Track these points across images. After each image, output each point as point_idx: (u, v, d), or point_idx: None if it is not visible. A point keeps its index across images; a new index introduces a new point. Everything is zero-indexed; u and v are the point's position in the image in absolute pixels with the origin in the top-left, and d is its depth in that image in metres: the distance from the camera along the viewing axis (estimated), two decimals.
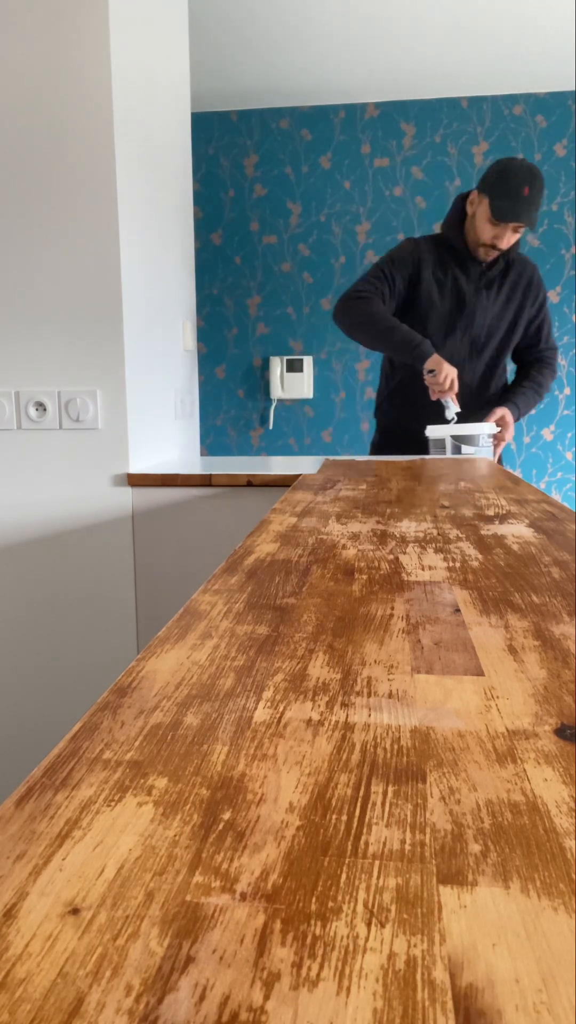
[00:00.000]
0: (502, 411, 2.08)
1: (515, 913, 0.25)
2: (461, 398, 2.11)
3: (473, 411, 2.12)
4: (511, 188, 1.93)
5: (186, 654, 0.49)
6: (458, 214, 2.08)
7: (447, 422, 1.97)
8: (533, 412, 3.48)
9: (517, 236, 2.01)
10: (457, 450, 1.94)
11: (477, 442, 1.93)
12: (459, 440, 1.93)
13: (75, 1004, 0.21)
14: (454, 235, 2.08)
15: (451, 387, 1.93)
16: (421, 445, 2.11)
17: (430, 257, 2.09)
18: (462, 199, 2.10)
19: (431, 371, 1.94)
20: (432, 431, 1.97)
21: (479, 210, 1.99)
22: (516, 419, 2.11)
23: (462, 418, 2.06)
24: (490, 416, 2.07)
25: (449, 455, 1.94)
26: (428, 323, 2.09)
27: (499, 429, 2.05)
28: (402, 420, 2.18)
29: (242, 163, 3.60)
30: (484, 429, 1.94)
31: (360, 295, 2.05)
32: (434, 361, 1.94)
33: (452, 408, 1.95)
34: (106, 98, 1.54)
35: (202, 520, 1.66)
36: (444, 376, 1.93)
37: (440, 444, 1.97)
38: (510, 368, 2.35)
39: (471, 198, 2.04)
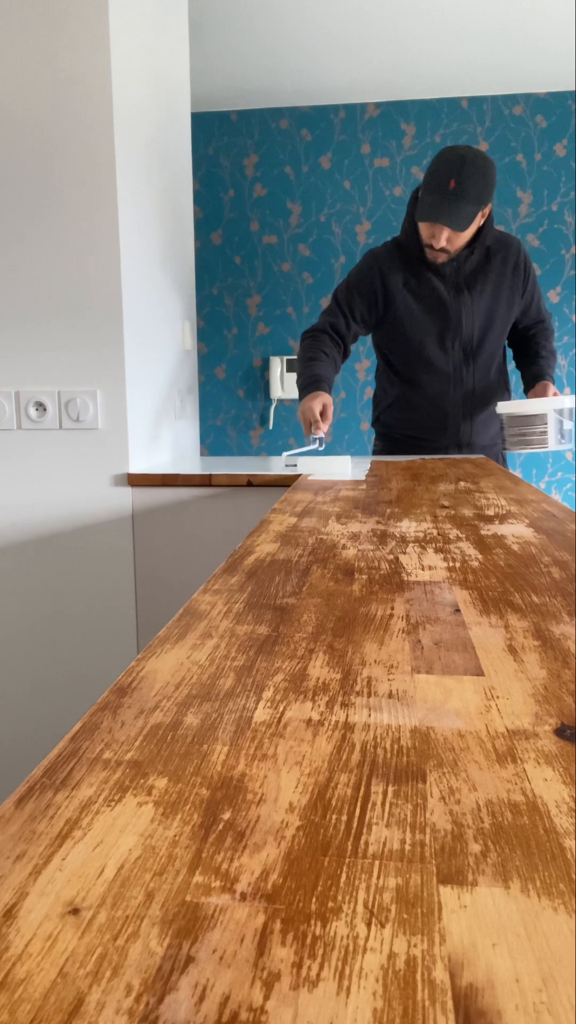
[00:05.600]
0: (552, 386, 1.96)
1: (515, 913, 0.25)
2: (467, 403, 2.01)
3: (484, 407, 2.03)
4: (436, 181, 1.75)
5: (186, 654, 0.49)
6: (411, 212, 1.91)
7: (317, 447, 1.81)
8: None
9: (455, 235, 1.82)
10: (560, 427, 1.78)
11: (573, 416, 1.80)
12: (563, 414, 1.77)
13: (75, 1004, 0.21)
14: (407, 238, 1.92)
15: (314, 426, 1.79)
16: (424, 451, 2.06)
17: (396, 267, 1.94)
18: (415, 195, 1.92)
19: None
20: (519, 405, 1.80)
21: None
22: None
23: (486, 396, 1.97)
24: (545, 391, 1.94)
25: (553, 434, 1.78)
26: (412, 338, 1.97)
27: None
28: (405, 429, 2.10)
29: (242, 163, 3.60)
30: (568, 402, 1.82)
31: (309, 333, 1.99)
32: (300, 406, 1.86)
33: (317, 438, 1.80)
34: (106, 98, 1.54)
35: (202, 520, 1.66)
36: (300, 416, 1.84)
37: (531, 421, 1.80)
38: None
39: (418, 192, 1.88)
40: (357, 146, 3.53)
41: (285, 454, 1.78)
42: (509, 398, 2.11)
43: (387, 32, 2.83)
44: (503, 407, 1.87)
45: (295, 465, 1.67)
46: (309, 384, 1.88)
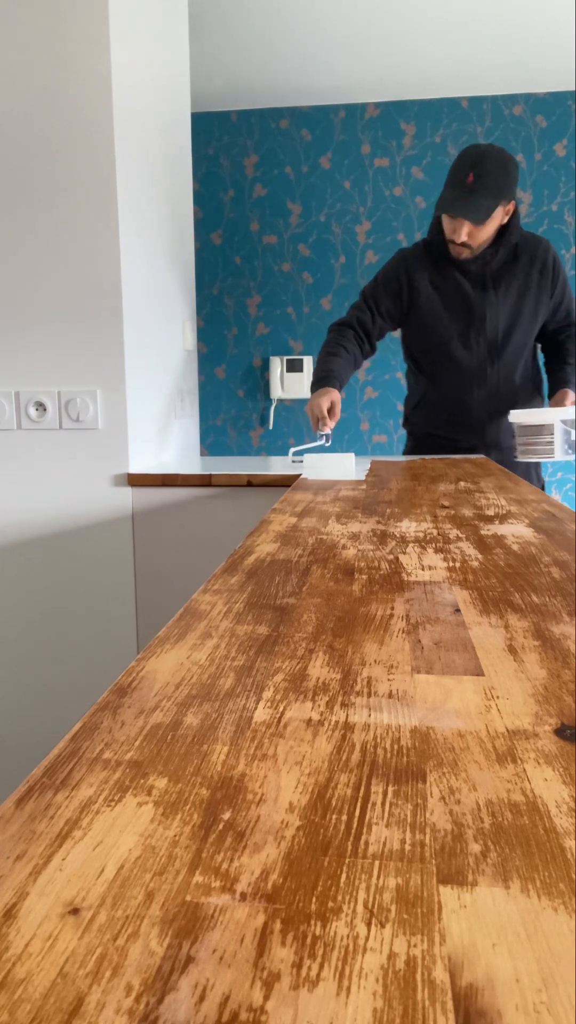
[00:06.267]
0: (572, 394, 1.98)
1: (515, 913, 0.25)
2: (491, 402, 2.03)
3: (509, 406, 2.03)
4: (455, 176, 1.81)
5: (186, 654, 0.49)
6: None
7: (323, 445, 1.88)
8: None
9: (476, 229, 1.84)
10: (567, 438, 1.80)
11: None
12: (570, 424, 1.80)
13: (75, 1004, 0.21)
14: (433, 235, 1.97)
15: (321, 421, 1.86)
16: (453, 451, 2.07)
17: (423, 265, 1.98)
18: None
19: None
20: (528, 415, 1.83)
21: None
22: None
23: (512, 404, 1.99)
24: (564, 399, 1.96)
25: (560, 444, 1.80)
26: (436, 335, 2.00)
27: None
28: (432, 427, 2.12)
29: (242, 163, 3.60)
30: None
31: (335, 326, 2.05)
32: (309, 401, 1.90)
33: (323, 434, 1.87)
34: (106, 98, 1.53)
35: (202, 520, 1.66)
36: (308, 411, 1.89)
37: (539, 431, 1.82)
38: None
39: None
40: (357, 146, 3.53)
41: (292, 449, 1.84)
42: (541, 401, 2.11)
43: (387, 32, 2.83)
44: (514, 416, 1.89)
45: (301, 460, 1.70)
46: (321, 380, 1.93)
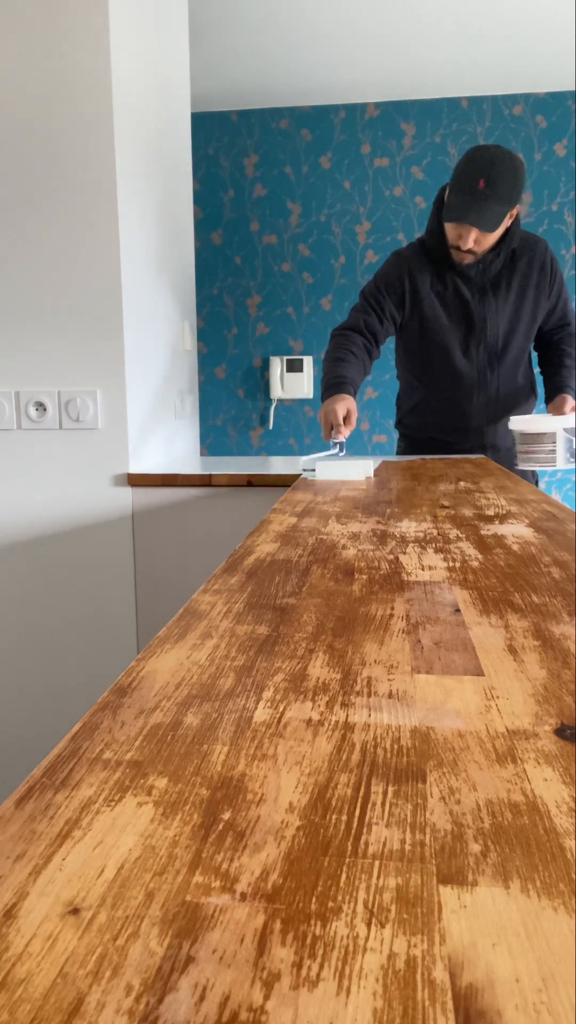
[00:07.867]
0: (571, 399, 1.93)
1: (515, 913, 0.25)
2: (491, 407, 2.00)
3: (508, 411, 2.00)
4: (464, 181, 1.72)
5: (186, 654, 0.49)
6: (437, 212, 1.88)
7: (335, 452, 1.75)
8: None
9: (483, 236, 1.78)
10: (569, 446, 1.78)
11: None
12: (573, 432, 1.78)
13: (75, 1004, 0.21)
14: (432, 239, 1.89)
15: (335, 429, 1.74)
16: (447, 453, 2.04)
17: (422, 268, 1.92)
18: (441, 194, 1.88)
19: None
20: (530, 422, 1.80)
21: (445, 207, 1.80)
22: None
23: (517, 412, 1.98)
24: (564, 404, 1.92)
25: (562, 453, 1.79)
26: (436, 342, 1.96)
27: None
28: (428, 430, 2.08)
29: (242, 163, 3.60)
30: None
31: (339, 331, 1.96)
32: (323, 407, 1.79)
33: (337, 443, 1.74)
34: (106, 98, 1.54)
35: (202, 520, 1.66)
36: (322, 418, 1.77)
37: (541, 439, 1.80)
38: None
39: (445, 192, 1.84)
40: (357, 146, 3.53)
41: (303, 459, 1.70)
42: (535, 402, 2.09)
43: (387, 32, 2.83)
44: (515, 423, 1.87)
45: (313, 470, 1.55)
46: (334, 385, 1.81)
